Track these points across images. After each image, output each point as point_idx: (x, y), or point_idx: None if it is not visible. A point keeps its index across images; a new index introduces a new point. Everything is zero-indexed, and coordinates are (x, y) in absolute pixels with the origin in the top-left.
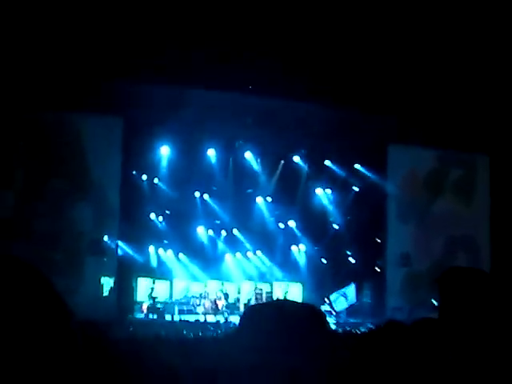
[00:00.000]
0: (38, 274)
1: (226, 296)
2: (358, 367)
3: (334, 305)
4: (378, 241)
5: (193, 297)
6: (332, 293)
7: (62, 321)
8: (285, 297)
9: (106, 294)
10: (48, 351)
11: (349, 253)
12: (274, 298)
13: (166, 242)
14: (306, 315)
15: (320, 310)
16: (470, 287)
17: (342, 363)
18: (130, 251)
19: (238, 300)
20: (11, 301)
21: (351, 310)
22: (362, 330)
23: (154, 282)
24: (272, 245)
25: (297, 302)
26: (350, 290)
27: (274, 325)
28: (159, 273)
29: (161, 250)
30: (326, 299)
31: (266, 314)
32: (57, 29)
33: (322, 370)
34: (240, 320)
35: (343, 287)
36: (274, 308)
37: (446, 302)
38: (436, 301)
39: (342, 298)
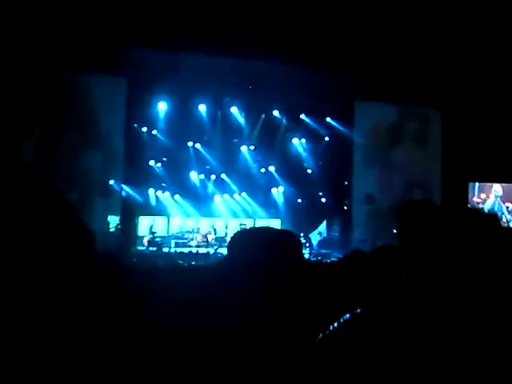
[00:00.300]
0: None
1: (215, 231)
2: (328, 292)
3: (312, 241)
4: (346, 183)
5: (187, 231)
6: (309, 230)
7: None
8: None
9: (112, 229)
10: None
11: (320, 193)
12: None
13: (163, 184)
14: (285, 239)
15: (297, 236)
16: (424, 215)
17: (312, 289)
18: (132, 193)
19: (226, 234)
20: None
21: (322, 242)
22: (332, 259)
23: (153, 220)
24: (255, 187)
25: (278, 229)
26: (323, 226)
27: (256, 247)
28: (158, 211)
29: (159, 192)
30: (302, 234)
31: (250, 237)
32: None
33: (295, 293)
34: (229, 242)
35: (317, 225)
36: (258, 232)
37: (404, 230)
38: (396, 229)
39: (317, 235)
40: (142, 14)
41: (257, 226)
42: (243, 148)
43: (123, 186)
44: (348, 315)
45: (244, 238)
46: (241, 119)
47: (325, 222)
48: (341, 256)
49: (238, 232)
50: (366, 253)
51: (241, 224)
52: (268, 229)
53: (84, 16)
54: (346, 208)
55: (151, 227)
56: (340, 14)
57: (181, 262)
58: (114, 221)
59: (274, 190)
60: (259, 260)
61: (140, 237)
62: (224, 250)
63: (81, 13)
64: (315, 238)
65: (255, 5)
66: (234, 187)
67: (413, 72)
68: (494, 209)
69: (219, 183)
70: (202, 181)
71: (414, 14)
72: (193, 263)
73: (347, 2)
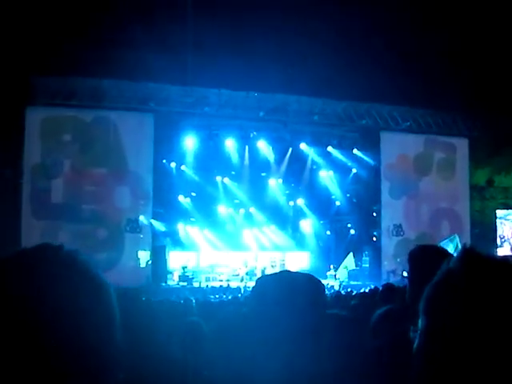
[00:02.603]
0: (76, 257)
1: (245, 264)
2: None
3: (339, 275)
4: (374, 214)
5: (217, 266)
6: (338, 262)
7: (99, 294)
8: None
9: (142, 265)
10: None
11: (349, 225)
12: (286, 265)
13: (192, 219)
14: (305, 284)
15: (318, 282)
16: (434, 264)
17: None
18: (162, 228)
19: (256, 267)
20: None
21: (352, 274)
22: (362, 291)
23: (183, 254)
24: (283, 220)
25: (298, 273)
26: (349, 259)
27: (276, 294)
28: (187, 246)
29: (189, 227)
30: (332, 267)
31: (271, 284)
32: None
33: (318, 338)
34: (251, 290)
35: (343, 258)
36: (278, 279)
37: (415, 277)
38: (407, 274)
39: (344, 270)
40: (167, 51)
41: (286, 259)
42: (271, 181)
43: (153, 222)
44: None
45: (265, 286)
46: (268, 153)
47: (351, 254)
48: (371, 287)
49: (260, 278)
50: (397, 287)
51: (270, 257)
52: (288, 276)
53: (108, 53)
54: (374, 239)
55: (181, 262)
56: (363, 45)
57: (212, 296)
58: (144, 256)
59: (302, 223)
60: (279, 310)
61: (170, 272)
62: (254, 284)
63: (105, 50)
64: (342, 271)
65: (279, 38)
66: (262, 220)
67: (439, 101)
68: None
69: (248, 217)
70: (230, 215)
71: (439, 39)
72: (224, 297)
73: (363, 33)
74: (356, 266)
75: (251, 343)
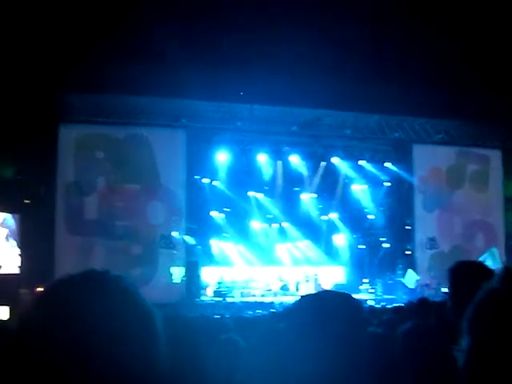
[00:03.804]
0: (122, 282)
1: (279, 279)
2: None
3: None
4: (408, 228)
5: (250, 281)
6: (370, 274)
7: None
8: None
9: (176, 281)
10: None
11: (383, 239)
12: (320, 280)
13: (226, 235)
14: (343, 305)
15: (356, 300)
16: (475, 281)
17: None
18: (195, 244)
19: (289, 282)
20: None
21: (387, 288)
22: (396, 305)
23: (217, 270)
24: (317, 234)
25: (337, 293)
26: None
27: (314, 315)
28: (221, 261)
29: (222, 242)
30: (367, 281)
31: (309, 304)
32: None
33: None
34: (290, 309)
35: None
36: (316, 299)
37: (456, 294)
38: (448, 290)
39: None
40: (199, 67)
41: (320, 273)
42: (304, 196)
43: (186, 237)
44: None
45: (304, 305)
46: (301, 167)
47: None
48: (407, 302)
49: (301, 298)
50: (431, 301)
51: (304, 272)
52: (327, 296)
53: (141, 70)
54: (408, 252)
55: (215, 277)
56: (395, 57)
57: (246, 311)
58: (177, 272)
59: (335, 237)
60: (317, 330)
61: (204, 287)
62: (288, 299)
63: (138, 67)
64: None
65: (311, 52)
66: (296, 235)
67: (471, 113)
68: None
69: (281, 232)
70: (264, 230)
71: (471, 50)
72: (258, 312)
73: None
74: (389, 280)
75: (288, 360)
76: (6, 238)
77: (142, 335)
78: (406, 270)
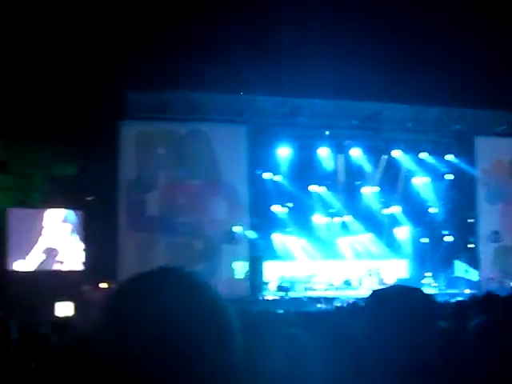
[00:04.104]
0: (197, 279)
1: (342, 274)
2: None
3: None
4: (470, 221)
5: (313, 275)
6: (432, 268)
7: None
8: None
9: (239, 276)
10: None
11: (445, 232)
12: (382, 274)
13: (288, 229)
14: (418, 298)
15: (428, 294)
16: None
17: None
18: (258, 239)
19: (352, 277)
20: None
21: (449, 281)
22: (458, 298)
23: (279, 265)
24: (379, 228)
25: (410, 287)
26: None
27: (390, 309)
28: (284, 256)
29: (285, 237)
30: (430, 274)
31: (384, 299)
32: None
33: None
34: (364, 303)
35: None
36: (391, 293)
37: None
38: None
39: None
40: (260, 62)
41: (382, 267)
42: (366, 190)
43: (249, 233)
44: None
45: (380, 300)
46: (362, 161)
47: (458, 262)
48: (470, 296)
49: (373, 292)
50: (498, 296)
51: (367, 266)
52: (401, 290)
53: (201, 66)
54: (471, 246)
55: (278, 272)
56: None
57: (309, 306)
58: (240, 267)
59: (398, 231)
60: (393, 324)
61: (267, 282)
62: (351, 293)
63: (198, 62)
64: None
65: (372, 46)
66: (358, 229)
67: None
68: None
69: (344, 226)
70: (326, 224)
71: None
72: (320, 307)
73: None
74: (455, 273)
75: (359, 355)
76: (69, 234)
77: (218, 332)
78: (468, 264)
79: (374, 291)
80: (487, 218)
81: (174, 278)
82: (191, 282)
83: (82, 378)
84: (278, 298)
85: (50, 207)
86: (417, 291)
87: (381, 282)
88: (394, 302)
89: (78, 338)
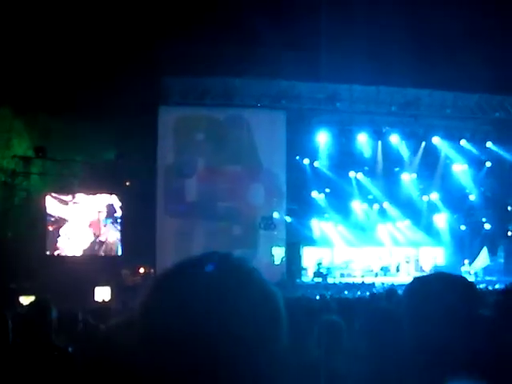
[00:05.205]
0: (245, 265)
1: (380, 260)
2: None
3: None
4: (510, 208)
5: (351, 261)
6: (470, 255)
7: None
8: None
9: (277, 262)
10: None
11: (484, 219)
12: (420, 261)
13: (326, 215)
14: (460, 286)
15: (470, 282)
16: None
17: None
18: (296, 225)
19: (390, 263)
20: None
21: (487, 269)
22: (497, 286)
23: (317, 250)
24: (417, 215)
25: (451, 275)
26: (484, 254)
27: (432, 296)
28: (322, 242)
29: (323, 223)
30: (467, 262)
31: (426, 286)
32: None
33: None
34: (405, 290)
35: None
36: (433, 281)
37: None
38: None
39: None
40: (298, 48)
41: (420, 254)
42: (405, 176)
43: (287, 218)
44: None
45: (422, 287)
46: (401, 147)
47: (485, 249)
48: (510, 284)
49: (415, 279)
50: None
51: (405, 253)
52: (443, 278)
53: (240, 51)
54: (510, 234)
55: (315, 258)
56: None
57: (346, 292)
58: (278, 253)
59: (436, 218)
60: (434, 311)
61: (305, 268)
62: (388, 280)
63: (237, 48)
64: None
65: (410, 33)
66: (396, 216)
67: None
68: None
69: (382, 212)
70: (364, 210)
71: None
72: (358, 293)
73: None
74: (491, 261)
75: (400, 343)
76: (108, 219)
77: (270, 317)
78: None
79: (416, 277)
80: None
81: (223, 263)
82: (240, 267)
83: (121, 362)
84: (315, 283)
85: (88, 192)
86: (459, 279)
87: (418, 268)
88: (436, 288)
89: (118, 323)
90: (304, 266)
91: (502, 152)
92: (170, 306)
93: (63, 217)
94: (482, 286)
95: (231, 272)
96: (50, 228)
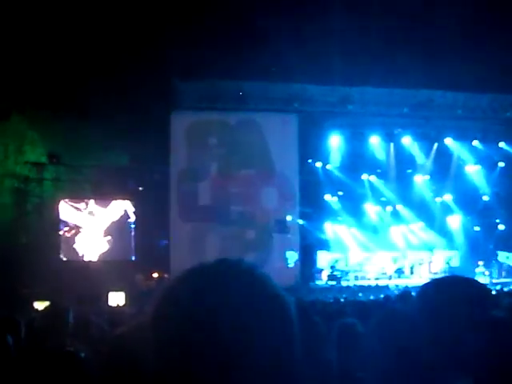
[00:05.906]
0: (256, 271)
1: (394, 262)
2: None
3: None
4: None
5: (365, 264)
6: (484, 256)
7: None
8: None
9: (290, 265)
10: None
11: (498, 221)
12: (434, 263)
13: (339, 218)
14: (471, 290)
15: (483, 285)
16: None
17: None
18: (309, 228)
19: (404, 265)
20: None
21: (502, 270)
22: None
23: (331, 254)
24: (430, 217)
25: (463, 277)
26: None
27: (442, 299)
28: (335, 245)
29: (336, 226)
30: (482, 263)
31: (437, 289)
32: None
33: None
34: (418, 293)
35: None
36: (444, 283)
37: None
38: None
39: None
40: (310, 51)
41: (434, 256)
42: (417, 178)
43: (300, 222)
44: None
45: (433, 290)
46: (413, 149)
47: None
48: None
49: (427, 283)
50: None
51: (418, 255)
52: (454, 280)
53: (251, 55)
54: None
55: (329, 261)
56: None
57: (360, 294)
58: (292, 256)
59: (450, 219)
60: (445, 314)
61: (318, 271)
62: (402, 282)
63: (248, 52)
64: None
65: (421, 34)
66: (410, 218)
67: None
68: None
69: (395, 214)
70: (378, 213)
71: None
72: (372, 296)
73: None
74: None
75: (413, 344)
76: (121, 224)
77: (281, 323)
78: None
79: (430, 280)
80: None
81: (234, 269)
82: (251, 273)
83: (134, 367)
84: (329, 286)
85: (101, 198)
86: (472, 282)
87: (432, 270)
88: (449, 290)
89: (131, 327)
90: (318, 269)
91: None
92: (181, 312)
93: (77, 223)
94: (497, 287)
95: (242, 278)
96: (65, 234)
